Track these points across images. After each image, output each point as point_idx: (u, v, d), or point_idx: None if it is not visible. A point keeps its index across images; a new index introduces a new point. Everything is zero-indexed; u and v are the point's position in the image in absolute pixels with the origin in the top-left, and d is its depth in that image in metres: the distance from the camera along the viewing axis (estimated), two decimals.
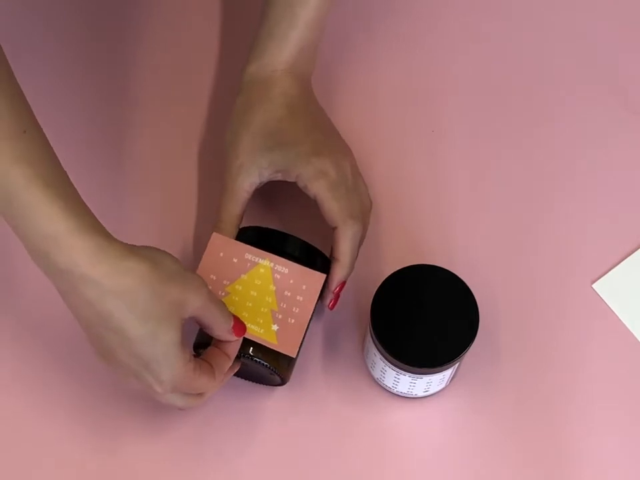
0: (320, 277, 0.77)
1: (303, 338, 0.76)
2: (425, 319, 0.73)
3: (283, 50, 0.81)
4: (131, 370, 0.69)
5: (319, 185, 0.77)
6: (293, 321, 0.76)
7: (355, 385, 0.81)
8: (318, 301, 0.77)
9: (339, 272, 0.77)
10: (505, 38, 0.92)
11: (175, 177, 0.87)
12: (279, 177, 0.79)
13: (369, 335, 0.75)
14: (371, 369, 0.79)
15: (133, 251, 0.66)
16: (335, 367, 0.81)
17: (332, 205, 0.77)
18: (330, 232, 0.78)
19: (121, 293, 0.65)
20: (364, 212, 0.80)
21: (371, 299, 0.74)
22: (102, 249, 0.64)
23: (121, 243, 0.66)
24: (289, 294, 0.76)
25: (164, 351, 0.67)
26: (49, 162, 0.65)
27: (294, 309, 0.76)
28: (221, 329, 0.73)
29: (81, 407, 0.80)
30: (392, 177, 0.87)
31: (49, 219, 0.63)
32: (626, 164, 0.88)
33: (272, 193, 0.84)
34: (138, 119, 0.89)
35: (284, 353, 0.76)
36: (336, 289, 0.78)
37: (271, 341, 0.75)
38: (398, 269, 0.75)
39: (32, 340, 0.82)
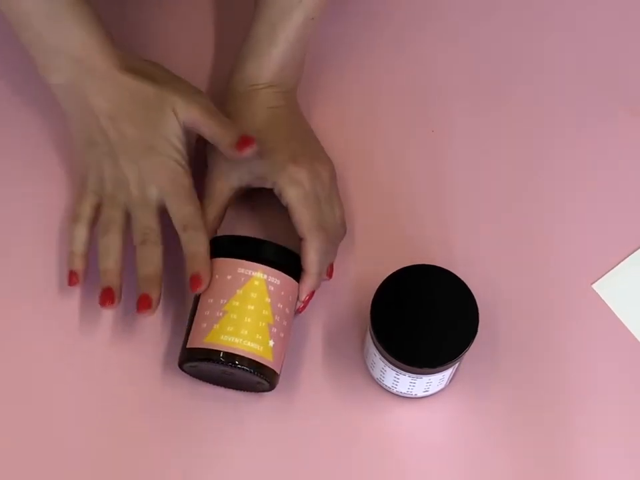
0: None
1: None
2: (425, 319, 0.73)
3: (262, 68, 0.82)
4: (143, 143, 0.78)
5: (292, 194, 0.78)
6: (282, 335, 0.76)
7: (355, 385, 0.81)
8: None
9: (307, 282, 0.78)
10: (505, 38, 0.92)
11: None
12: (258, 183, 0.80)
13: (369, 334, 0.75)
14: (370, 369, 0.79)
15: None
16: (334, 367, 0.81)
17: (301, 216, 0.78)
18: None
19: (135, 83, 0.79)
20: (335, 223, 0.80)
21: (371, 299, 0.74)
22: (124, 57, 0.80)
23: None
24: (280, 306, 0.76)
25: (171, 125, 0.78)
26: None
27: (284, 322, 0.77)
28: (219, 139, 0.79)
29: (82, 408, 0.80)
30: (392, 177, 0.87)
31: (94, 31, 0.78)
32: (626, 164, 0.88)
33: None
34: None
35: (274, 369, 0.76)
36: (306, 298, 0.79)
37: (267, 358, 0.75)
38: (398, 269, 0.74)
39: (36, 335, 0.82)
